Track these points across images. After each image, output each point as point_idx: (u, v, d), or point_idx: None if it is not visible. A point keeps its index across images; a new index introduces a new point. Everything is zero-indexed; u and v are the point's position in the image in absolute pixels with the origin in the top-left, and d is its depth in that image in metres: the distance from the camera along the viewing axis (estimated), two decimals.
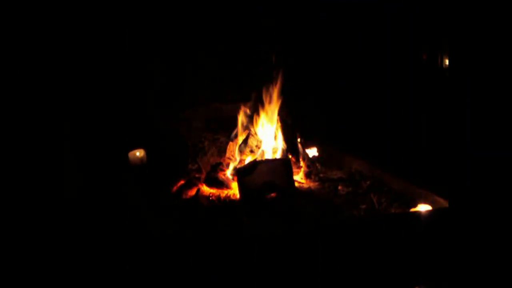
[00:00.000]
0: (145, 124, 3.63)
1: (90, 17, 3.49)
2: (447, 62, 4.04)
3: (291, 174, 3.11)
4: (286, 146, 3.39)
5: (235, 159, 3.35)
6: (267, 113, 3.44)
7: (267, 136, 3.45)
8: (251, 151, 3.37)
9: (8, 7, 3.12)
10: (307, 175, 3.35)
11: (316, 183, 3.26)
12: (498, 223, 1.90)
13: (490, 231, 1.95)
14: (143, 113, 3.68)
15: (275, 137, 3.45)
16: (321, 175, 3.35)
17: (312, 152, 3.63)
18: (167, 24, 3.76)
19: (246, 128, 3.46)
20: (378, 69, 4.08)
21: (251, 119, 3.45)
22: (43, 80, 3.25)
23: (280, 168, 3.06)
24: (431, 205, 2.73)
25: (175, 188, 3.09)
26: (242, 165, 3.23)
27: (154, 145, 3.44)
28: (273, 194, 2.96)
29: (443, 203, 2.72)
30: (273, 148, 3.40)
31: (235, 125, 3.48)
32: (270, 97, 3.40)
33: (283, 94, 3.41)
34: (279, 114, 3.44)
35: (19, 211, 2.65)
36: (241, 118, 3.47)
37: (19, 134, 3.03)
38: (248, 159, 3.34)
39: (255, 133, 3.43)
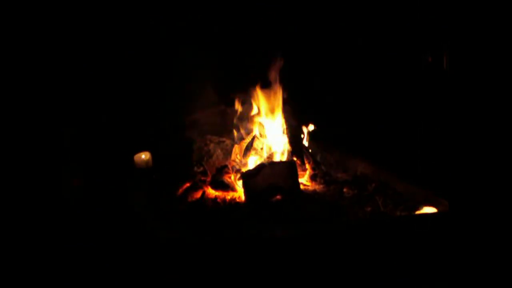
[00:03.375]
0: (151, 127, 3.64)
1: (93, 19, 3.52)
2: None
3: (296, 176, 3.09)
4: (291, 148, 3.37)
5: (241, 162, 3.34)
6: (272, 114, 3.45)
7: (272, 138, 3.45)
8: (257, 154, 3.37)
9: (8, 8, 3.15)
10: (312, 178, 3.33)
11: (321, 186, 3.23)
12: (500, 224, 1.89)
13: (492, 233, 1.94)
14: (149, 116, 3.68)
15: (281, 139, 3.44)
16: (326, 177, 3.33)
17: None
18: (170, 25, 3.77)
19: (251, 130, 3.47)
20: (382, 71, 4.06)
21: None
22: (49, 83, 3.30)
23: (285, 171, 3.05)
24: (437, 208, 2.70)
25: (180, 191, 3.09)
26: (248, 167, 3.22)
27: (160, 148, 3.44)
28: (278, 197, 2.95)
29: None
30: (279, 151, 3.39)
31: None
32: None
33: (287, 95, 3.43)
34: (284, 116, 3.44)
35: (22, 213, 2.67)
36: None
37: (23, 137, 3.06)
38: (253, 161, 3.34)
39: (261, 136, 3.43)
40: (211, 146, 3.62)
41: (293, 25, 3.96)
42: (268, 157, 3.34)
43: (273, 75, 3.43)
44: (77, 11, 3.45)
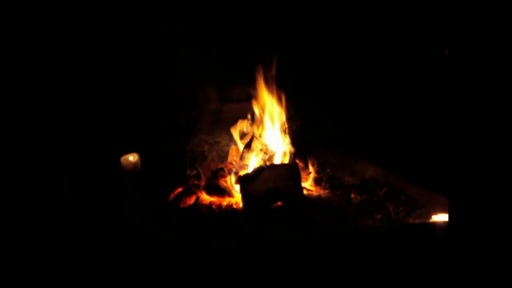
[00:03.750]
0: (139, 126, 3.61)
1: (93, 19, 3.58)
2: None
3: (299, 180, 3.04)
4: (293, 150, 3.29)
5: (238, 165, 3.28)
6: (272, 113, 3.37)
7: (273, 139, 3.37)
8: (256, 156, 3.27)
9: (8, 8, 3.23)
10: (317, 182, 3.25)
11: (327, 191, 3.17)
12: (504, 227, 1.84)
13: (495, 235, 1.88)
14: (137, 114, 3.68)
15: (282, 140, 3.36)
16: (332, 181, 3.25)
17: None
18: (170, 25, 3.81)
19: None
20: (393, 71, 4.10)
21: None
22: (49, 83, 3.35)
23: (287, 174, 3.00)
24: None
25: (172, 196, 3.03)
26: (246, 170, 3.15)
27: (149, 149, 3.40)
28: (279, 203, 2.91)
29: None
30: (280, 152, 3.30)
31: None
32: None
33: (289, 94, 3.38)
34: (286, 115, 3.38)
35: (22, 213, 2.67)
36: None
37: (23, 137, 3.10)
38: (252, 164, 3.24)
39: (260, 136, 3.35)
40: (206, 147, 3.58)
41: (293, 25, 4.01)
42: (268, 159, 3.25)
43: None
44: (77, 11, 3.50)
